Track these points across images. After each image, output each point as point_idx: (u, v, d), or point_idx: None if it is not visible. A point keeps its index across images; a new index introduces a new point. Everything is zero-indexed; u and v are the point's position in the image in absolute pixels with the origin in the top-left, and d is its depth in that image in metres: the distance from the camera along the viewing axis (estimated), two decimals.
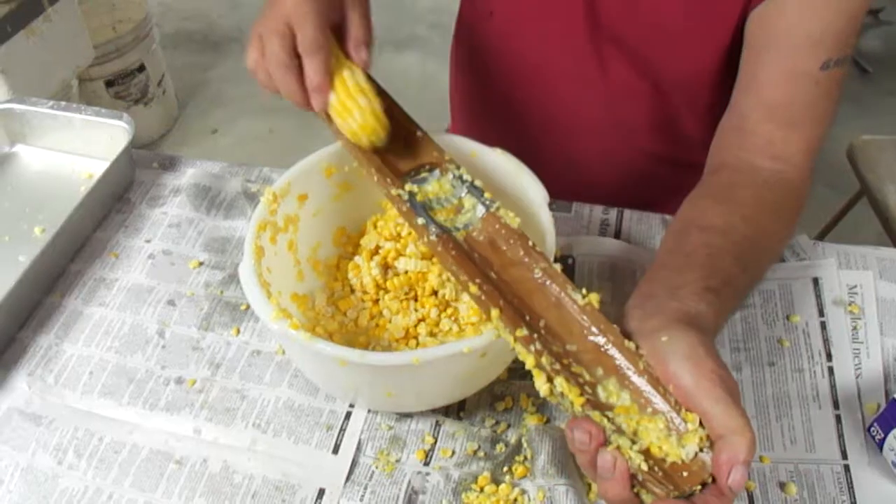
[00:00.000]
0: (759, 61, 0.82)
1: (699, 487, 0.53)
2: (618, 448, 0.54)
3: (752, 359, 0.80)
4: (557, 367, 0.58)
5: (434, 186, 0.71)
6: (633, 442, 0.54)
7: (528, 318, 0.61)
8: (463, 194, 0.71)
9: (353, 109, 0.68)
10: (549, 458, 0.72)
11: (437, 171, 0.72)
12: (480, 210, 0.69)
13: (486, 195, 0.70)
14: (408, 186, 0.70)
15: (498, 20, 0.99)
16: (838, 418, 0.75)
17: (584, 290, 0.62)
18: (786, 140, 0.80)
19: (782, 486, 0.71)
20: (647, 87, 0.96)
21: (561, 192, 0.87)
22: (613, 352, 0.58)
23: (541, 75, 1.00)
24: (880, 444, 0.72)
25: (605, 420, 0.55)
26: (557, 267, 0.64)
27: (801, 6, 0.77)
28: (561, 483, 0.70)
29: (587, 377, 0.58)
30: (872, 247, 0.90)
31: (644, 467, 0.53)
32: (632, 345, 0.58)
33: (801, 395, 0.77)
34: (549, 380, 0.57)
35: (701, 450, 0.54)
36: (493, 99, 1.09)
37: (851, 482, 0.71)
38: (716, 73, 0.91)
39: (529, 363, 0.58)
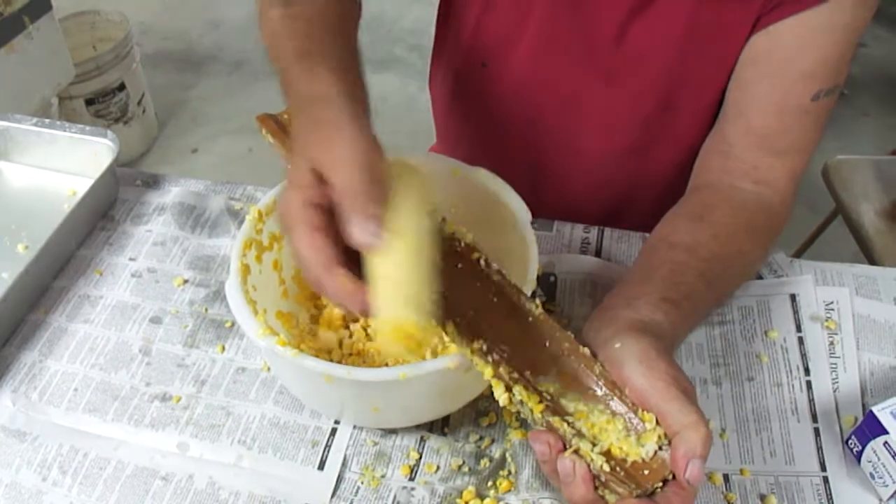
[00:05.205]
0: (749, 90, 0.82)
1: (661, 485, 0.55)
2: (578, 451, 0.55)
3: (732, 374, 0.81)
4: (516, 375, 0.59)
5: None
6: (594, 444, 0.56)
7: (485, 330, 0.62)
8: None
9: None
10: (533, 473, 0.72)
11: None
12: None
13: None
14: None
15: (491, 71, 0.96)
16: (817, 431, 0.77)
17: (537, 301, 0.63)
18: (771, 167, 0.81)
19: (763, 498, 0.72)
20: (646, 143, 0.95)
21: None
22: (569, 358, 0.60)
23: (533, 124, 0.98)
24: (858, 456, 0.73)
25: (566, 425, 0.56)
26: (510, 278, 0.65)
27: (800, 40, 0.77)
28: (545, 497, 0.70)
29: (547, 386, 0.59)
30: (848, 264, 0.91)
31: (606, 468, 0.55)
32: (587, 350, 0.60)
33: (781, 409, 0.78)
34: (508, 389, 0.58)
35: (660, 448, 0.55)
36: (483, 141, 1.06)
37: (831, 494, 0.72)
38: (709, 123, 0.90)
39: (487, 374, 0.60)
